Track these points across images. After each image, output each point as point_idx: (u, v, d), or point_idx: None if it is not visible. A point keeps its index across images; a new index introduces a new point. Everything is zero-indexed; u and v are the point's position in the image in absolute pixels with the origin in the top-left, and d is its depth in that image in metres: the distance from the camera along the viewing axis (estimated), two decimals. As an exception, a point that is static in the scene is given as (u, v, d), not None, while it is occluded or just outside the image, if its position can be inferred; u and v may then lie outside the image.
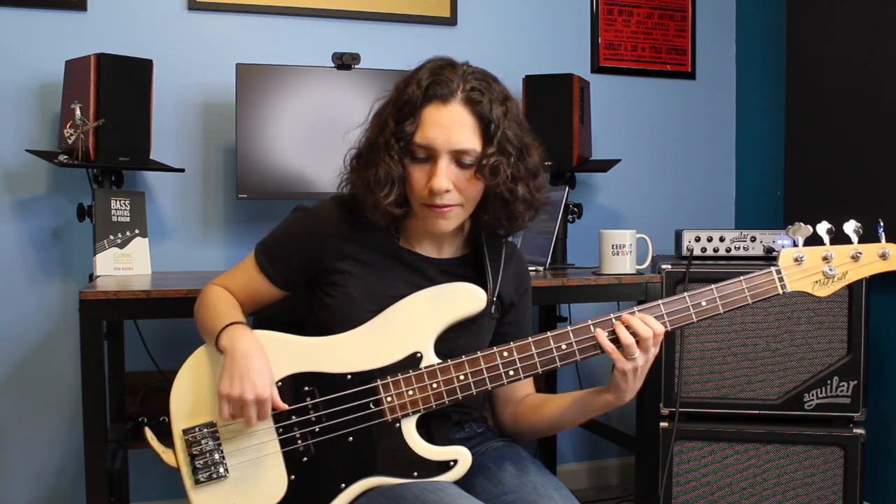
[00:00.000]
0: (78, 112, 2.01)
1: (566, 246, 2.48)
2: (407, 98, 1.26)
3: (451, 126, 1.24)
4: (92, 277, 2.07)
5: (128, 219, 2.12)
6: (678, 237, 2.27)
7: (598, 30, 2.79)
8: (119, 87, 2.07)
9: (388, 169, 1.26)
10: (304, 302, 1.42)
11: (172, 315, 1.77)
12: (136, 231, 2.12)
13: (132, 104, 2.11)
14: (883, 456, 2.31)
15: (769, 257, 2.20)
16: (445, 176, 1.24)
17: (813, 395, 2.12)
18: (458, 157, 1.25)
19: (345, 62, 2.27)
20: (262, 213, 2.45)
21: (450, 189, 1.25)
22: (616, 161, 2.53)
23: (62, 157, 2.03)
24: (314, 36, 2.49)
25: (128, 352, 2.25)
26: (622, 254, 2.06)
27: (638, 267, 2.09)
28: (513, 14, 2.71)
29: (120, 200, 2.12)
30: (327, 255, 1.34)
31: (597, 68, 2.79)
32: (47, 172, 2.28)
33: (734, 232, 2.25)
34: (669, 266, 2.16)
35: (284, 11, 2.47)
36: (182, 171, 2.29)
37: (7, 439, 2.29)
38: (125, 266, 2.09)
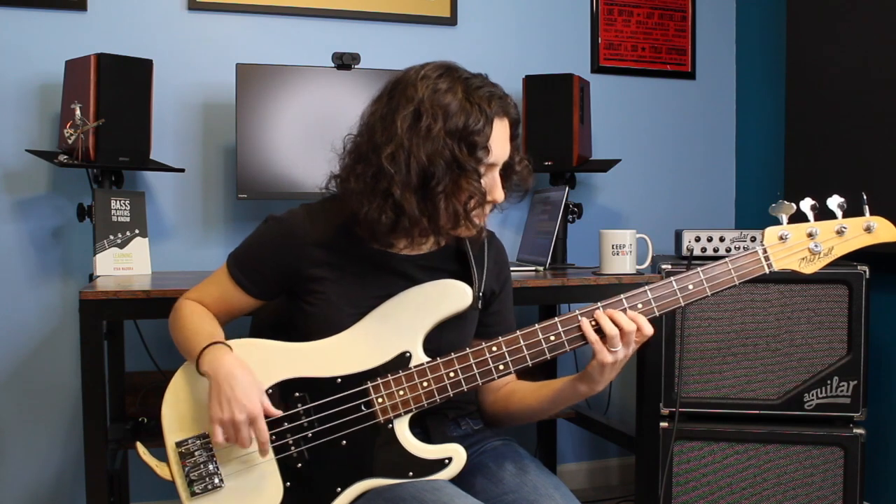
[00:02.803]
0: (78, 112, 2.01)
1: (566, 246, 2.48)
2: (472, 127, 1.22)
3: (506, 139, 1.28)
4: (92, 277, 2.07)
5: (128, 219, 2.12)
6: (678, 237, 2.27)
7: (598, 30, 2.79)
8: (119, 87, 2.07)
9: (477, 190, 1.24)
10: (286, 311, 1.40)
11: (172, 315, 1.77)
12: (136, 231, 2.12)
13: (132, 104, 2.11)
14: (883, 456, 2.31)
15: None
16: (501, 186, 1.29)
17: (813, 395, 2.12)
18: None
19: (345, 62, 2.27)
20: (262, 213, 2.42)
21: None
22: (616, 161, 2.52)
23: (62, 157, 2.03)
24: (314, 36, 2.49)
25: (128, 352, 2.25)
26: (622, 254, 2.06)
27: (638, 267, 2.09)
28: (513, 14, 2.71)
29: (120, 200, 2.12)
30: (302, 263, 1.33)
31: (597, 68, 2.79)
32: (47, 172, 2.28)
33: (734, 232, 2.25)
34: (669, 266, 2.16)
35: (284, 11, 2.47)
36: (182, 171, 2.29)
37: (7, 439, 2.29)
38: (125, 266, 2.09)
